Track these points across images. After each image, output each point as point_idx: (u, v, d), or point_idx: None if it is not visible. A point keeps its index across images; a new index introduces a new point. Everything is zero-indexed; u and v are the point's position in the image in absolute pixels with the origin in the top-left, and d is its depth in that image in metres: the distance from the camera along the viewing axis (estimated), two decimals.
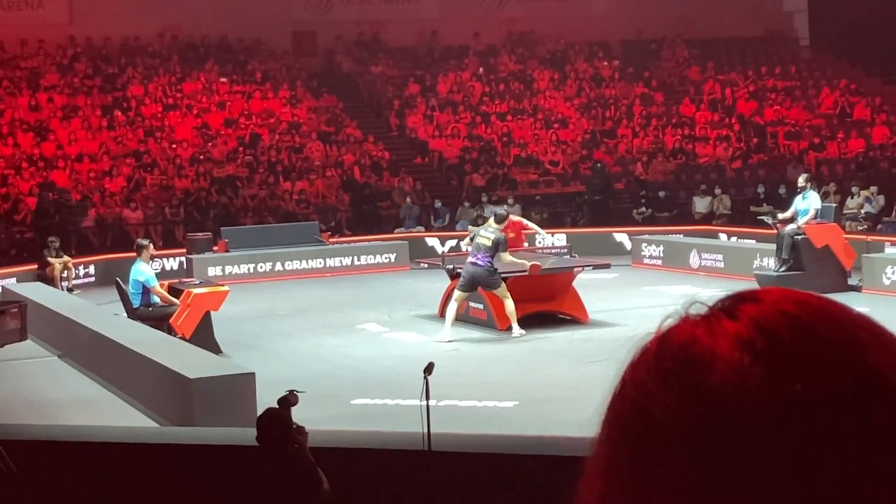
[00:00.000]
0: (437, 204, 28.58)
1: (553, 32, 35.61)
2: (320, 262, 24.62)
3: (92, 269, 24.39)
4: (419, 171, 30.65)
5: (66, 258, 23.21)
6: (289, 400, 7.17)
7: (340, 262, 24.64)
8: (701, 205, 28.30)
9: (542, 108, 33.30)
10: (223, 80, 32.43)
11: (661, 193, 28.97)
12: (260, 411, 10.85)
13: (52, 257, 22.99)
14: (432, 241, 26.75)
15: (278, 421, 6.72)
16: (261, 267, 24.30)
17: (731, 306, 1.07)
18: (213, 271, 23.34)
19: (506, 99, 33.62)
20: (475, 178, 30.00)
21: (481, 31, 35.33)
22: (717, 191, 28.43)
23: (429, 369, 8.55)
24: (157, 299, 15.82)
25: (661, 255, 23.52)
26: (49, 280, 22.25)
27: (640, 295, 19.71)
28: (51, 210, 25.98)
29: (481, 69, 34.62)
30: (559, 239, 24.86)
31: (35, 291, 18.93)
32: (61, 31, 32.46)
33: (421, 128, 32.22)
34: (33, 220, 26.07)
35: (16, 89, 30.31)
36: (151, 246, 16.70)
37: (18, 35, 31.87)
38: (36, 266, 23.06)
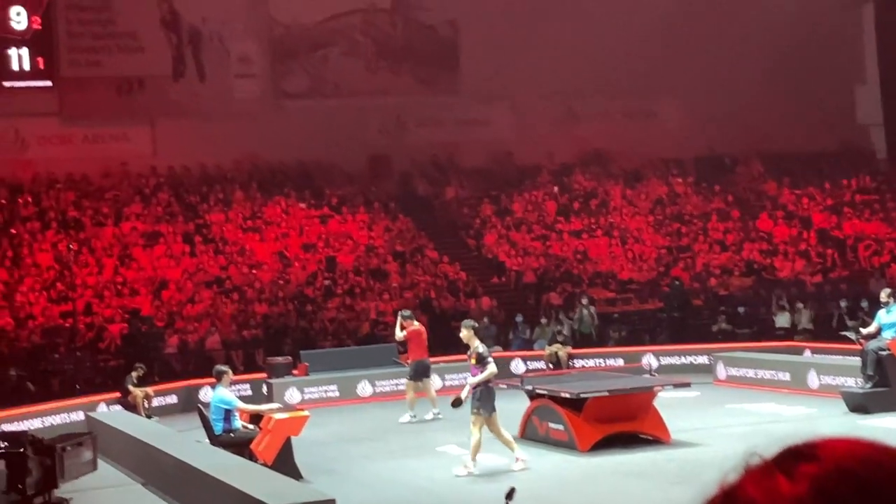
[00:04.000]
0: (519, 318, 28.57)
1: (626, 150, 35.82)
2: (399, 384, 24.61)
3: (174, 396, 24.61)
4: (496, 291, 30.72)
5: (147, 389, 23.42)
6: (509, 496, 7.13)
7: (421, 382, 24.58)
8: (782, 320, 27.97)
9: (617, 226, 33.36)
10: (301, 204, 32.96)
11: (741, 309, 28.70)
12: None
13: (133, 385, 23.26)
14: (511, 361, 26.65)
15: None
16: (340, 390, 24.35)
17: (789, 464, 1.04)
18: (292, 395, 23.45)
19: (581, 217, 33.75)
20: (552, 296, 30.01)
21: (554, 150, 35.65)
22: (799, 305, 28.09)
23: (510, 495, 8.47)
24: (238, 425, 15.91)
25: (743, 372, 23.21)
26: (132, 408, 22.49)
27: (723, 413, 19.42)
28: (135, 337, 26.38)
29: (556, 188, 34.85)
30: (644, 358, 24.72)
31: (119, 419, 19.12)
32: (144, 161, 33.33)
33: (497, 247, 32.40)
34: (118, 347, 26.45)
35: (101, 218, 31.03)
36: (231, 372, 16.86)
37: (103, 167, 32.76)
38: (119, 394, 23.33)
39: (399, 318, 21.22)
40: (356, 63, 35.49)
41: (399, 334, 21.10)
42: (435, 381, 24.64)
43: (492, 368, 15.34)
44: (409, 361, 21.29)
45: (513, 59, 34.68)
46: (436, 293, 30.01)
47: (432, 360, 26.67)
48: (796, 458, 1.04)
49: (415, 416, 20.37)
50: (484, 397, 15.30)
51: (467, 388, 15.54)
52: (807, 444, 1.06)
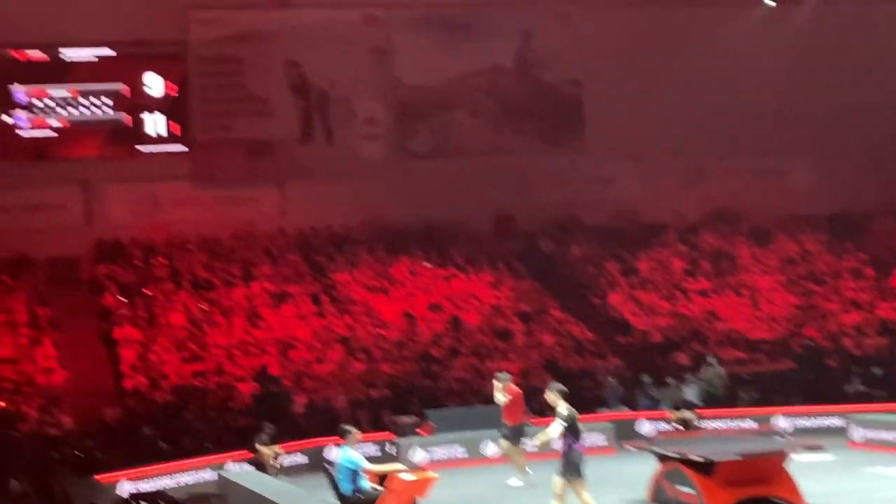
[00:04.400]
0: (646, 378, 28.27)
1: (755, 208, 35.37)
2: (525, 443, 24.45)
3: (303, 455, 24.82)
4: (622, 351, 30.46)
5: (276, 448, 23.68)
6: None
7: (546, 443, 24.40)
8: None
9: (746, 284, 32.88)
10: (426, 264, 33.17)
11: (876, 370, 27.98)
12: None
13: (262, 444, 23.53)
14: (638, 422, 26.36)
15: None
16: (466, 450, 24.30)
17: None
18: (418, 455, 23.47)
19: (709, 276, 33.35)
20: (679, 356, 29.64)
21: (681, 208, 35.36)
22: None
23: None
24: (365, 485, 15.99)
25: (880, 434, 22.58)
26: (261, 466, 22.75)
27: (859, 478, 18.94)
28: (264, 397, 26.74)
29: (682, 246, 34.52)
30: (776, 420, 24.27)
31: (249, 479, 19.35)
32: (273, 223, 33.93)
33: (623, 306, 32.16)
34: (248, 406, 26.82)
35: (231, 279, 31.61)
36: (357, 431, 16.97)
37: (233, 228, 33.44)
38: (249, 452, 23.63)
39: (499, 381, 20.93)
40: (480, 123, 35.74)
41: (501, 398, 20.81)
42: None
43: (551, 431, 15.31)
44: (509, 424, 20.89)
45: (638, 117, 34.56)
46: (561, 353, 29.87)
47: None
48: None
49: (528, 473, 20.18)
50: (568, 461, 15.20)
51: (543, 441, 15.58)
52: None
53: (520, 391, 21.29)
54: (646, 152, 35.13)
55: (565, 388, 16.53)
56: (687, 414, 24.70)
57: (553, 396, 15.89)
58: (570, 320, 31.37)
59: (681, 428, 24.58)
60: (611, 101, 34.91)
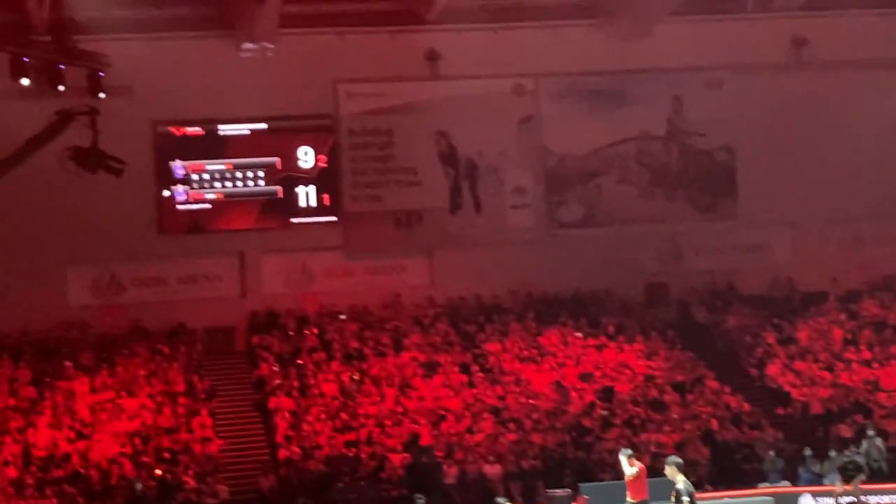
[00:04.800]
0: (807, 451, 27.43)
1: None
2: None
3: None
4: (781, 423, 29.65)
5: None
6: None
7: None
8: None
9: None
10: (577, 333, 32.86)
11: None
12: None
13: None
14: (800, 497, 25.52)
15: None
16: None
17: None
18: None
19: (871, 345, 32.31)
20: (841, 428, 28.71)
21: (839, 275, 34.46)
22: None
23: None
24: None
25: None
26: None
27: None
28: (415, 467, 26.69)
29: (842, 315, 33.57)
30: None
31: None
32: (422, 292, 34.06)
33: (781, 377, 31.33)
34: (399, 477, 26.79)
35: (382, 349, 31.76)
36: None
37: (383, 298, 33.68)
38: None
39: (625, 456, 20.45)
40: (630, 190, 35.46)
41: (630, 471, 20.25)
42: None
43: None
44: (634, 501, 20.26)
45: (793, 183, 33.99)
46: (718, 424, 29.18)
47: (713, 495, 25.96)
48: None
49: None
50: None
51: None
52: None
53: (644, 466, 20.66)
54: (802, 218, 34.47)
55: (682, 461, 16.16)
56: (849, 488, 23.72)
57: (671, 471, 15.53)
58: (727, 391, 30.67)
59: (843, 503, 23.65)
60: (764, 166, 34.42)
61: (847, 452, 26.98)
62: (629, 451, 20.74)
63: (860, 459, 26.51)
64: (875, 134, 32.92)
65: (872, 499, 24.31)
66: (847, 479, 20.74)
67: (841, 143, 33.35)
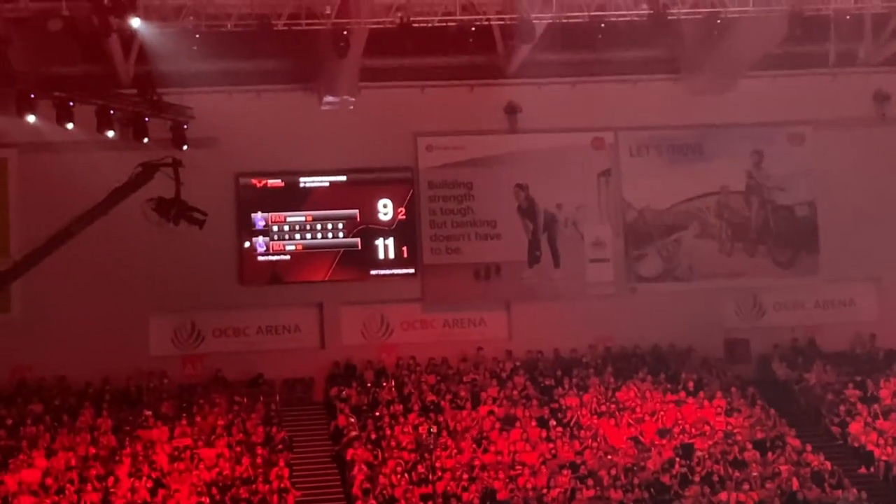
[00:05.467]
0: None
1: None
2: None
3: None
4: (864, 482, 29.07)
5: None
6: None
7: None
8: None
9: None
10: (656, 388, 32.56)
11: None
12: None
13: None
14: None
15: None
16: None
17: None
18: None
19: None
20: None
21: None
22: None
23: None
24: None
25: None
26: None
27: None
28: None
29: None
30: None
31: None
32: (500, 345, 34.01)
33: (864, 436, 30.75)
34: None
35: (459, 401, 31.70)
36: None
37: (461, 351, 33.69)
38: None
39: None
40: (710, 245, 35.21)
41: None
42: None
43: None
44: None
45: (875, 237, 33.59)
46: (799, 483, 28.67)
47: None
48: None
49: None
50: None
51: None
52: None
53: None
54: (884, 274, 33.94)
55: None
56: None
57: None
58: (808, 449, 30.14)
59: None
60: (847, 221, 34.06)
61: None
62: None
63: None
64: None
65: None
66: None
67: None
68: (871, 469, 29.84)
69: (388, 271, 34.05)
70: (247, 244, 33.49)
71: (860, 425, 31.12)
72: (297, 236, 33.71)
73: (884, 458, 29.85)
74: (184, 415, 30.63)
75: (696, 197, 35.21)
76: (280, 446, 29.70)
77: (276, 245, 33.62)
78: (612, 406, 31.86)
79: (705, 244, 35.22)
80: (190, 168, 24.51)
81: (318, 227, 33.76)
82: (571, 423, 31.11)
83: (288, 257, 33.64)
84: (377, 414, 31.03)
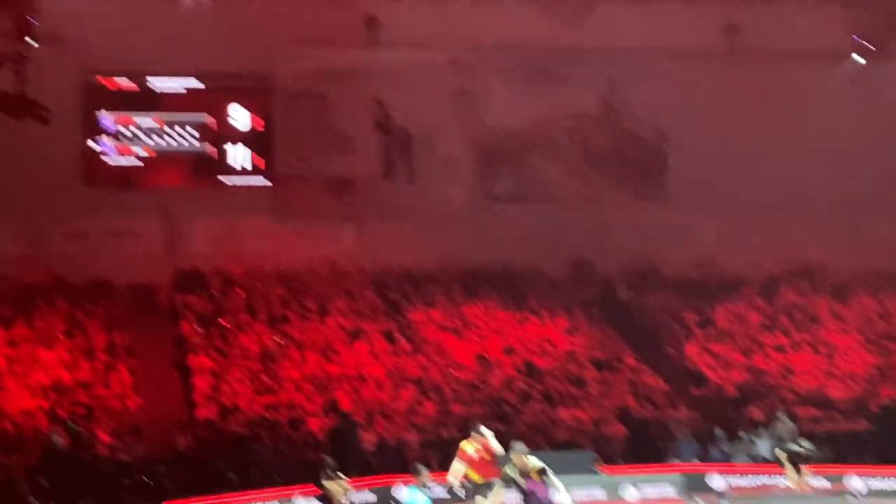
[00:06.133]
0: (719, 432, 27.90)
1: (836, 264, 34.86)
2: (595, 494, 24.29)
3: (371, 493, 24.76)
4: (696, 403, 30.10)
5: (344, 483, 23.66)
6: None
7: (615, 493, 24.19)
8: None
9: (824, 342, 32.37)
10: (502, 307, 33.06)
11: None
12: None
13: (330, 479, 23.52)
14: (709, 476, 25.99)
15: None
16: None
17: None
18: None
19: (787, 331, 32.88)
20: (753, 410, 29.22)
21: (761, 261, 34.95)
22: None
23: None
24: None
25: None
26: (329, 502, 22.70)
27: None
28: (334, 432, 26.76)
29: (761, 301, 34.10)
30: (849, 479, 23.78)
31: None
32: (351, 260, 34.07)
33: (698, 358, 31.80)
34: (318, 441, 26.83)
35: (307, 314, 31.74)
36: (428, 473, 16.90)
37: (310, 263, 33.63)
38: (317, 487, 23.62)
39: (478, 434, 19.54)
40: (563, 169, 35.66)
41: (473, 452, 19.28)
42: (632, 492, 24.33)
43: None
44: (478, 481, 19.35)
45: (721, 169, 34.27)
46: (635, 402, 29.56)
47: (629, 470, 26.32)
48: None
49: None
50: None
51: None
52: None
53: (493, 449, 19.51)
54: (728, 203, 34.78)
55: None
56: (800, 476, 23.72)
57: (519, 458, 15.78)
58: (645, 370, 31.07)
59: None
60: (694, 150, 34.61)
61: (760, 433, 27.47)
62: (486, 432, 19.73)
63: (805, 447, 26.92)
64: (803, 125, 33.32)
65: (781, 481, 24.76)
66: (796, 466, 20.98)
67: (770, 133, 33.72)
68: (704, 390, 30.88)
69: (240, 180, 33.71)
70: (95, 146, 32.75)
71: (696, 348, 32.14)
72: (148, 141, 33.08)
73: (716, 380, 30.91)
74: (23, 317, 30.04)
75: (550, 120, 35.54)
76: (122, 352, 29.41)
77: (125, 149, 32.96)
78: (458, 323, 32.29)
79: (557, 167, 35.63)
80: (36, 64, 23.80)
81: (170, 132, 33.19)
82: (417, 339, 31.46)
83: (138, 162, 33.03)
84: (223, 323, 30.88)
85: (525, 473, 15.50)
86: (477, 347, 31.34)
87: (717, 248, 35.31)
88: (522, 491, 15.49)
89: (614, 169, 35.89)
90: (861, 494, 21.65)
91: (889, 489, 24.44)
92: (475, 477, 18.68)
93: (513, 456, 15.75)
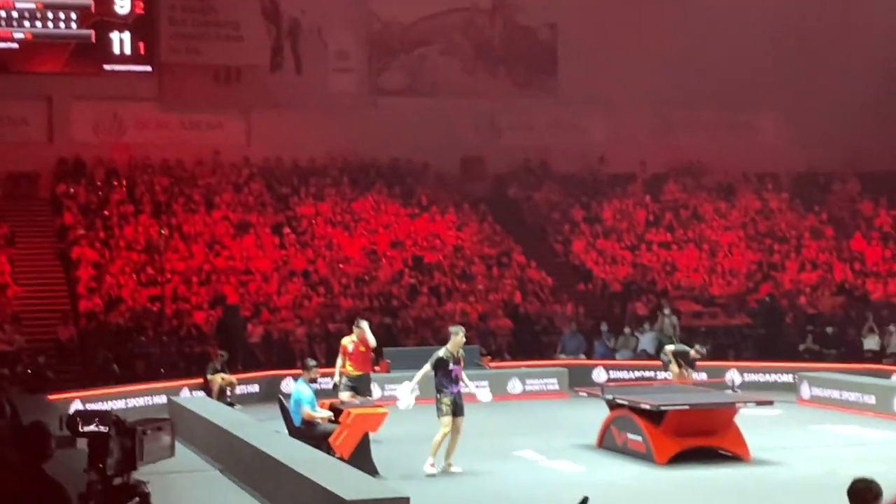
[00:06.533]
0: (604, 327, 28.39)
1: (721, 162, 35.41)
2: (479, 386, 24.55)
3: (256, 385, 24.80)
4: (582, 298, 30.55)
5: (230, 377, 23.66)
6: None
7: (499, 386, 24.52)
8: (871, 342, 27.44)
9: (707, 239, 32.99)
10: (391, 201, 33.04)
11: (829, 329, 28.23)
12: None
13: (215, 372, 23.52)
14: (593, 370, 26.51)
15: None
16: (421, 389, 24.24)
17: None
18: (373, 391, 23.43)
19: (671, 228, 33.43)
20: (638, 306, 29.76)
21: (647, 158, 35.34)
22: (892, 328, 27.51)
23: None
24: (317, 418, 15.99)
25: (828, 392, 22.80)
26: (214, 394, 22.73)
27: (806, 434, 19.14)
28: (220, 325, 26.65)
29: (646, 197, 34.56)
30: (728, 373, 24.45)
31: (200, 405, 19.33)
32: (238, 151, 33.65)
33: (584, 254, 32.21)
34: (203, 334, 26.71)
35: (193, 205, 31.37)
36: (317, 368, 16.94)
37: (197, 154, 33.15)
38: (202, 380, 23.62)
39: (359, 328, 18.95)
40: (453, 63, 35.50)
41: (349, 345, 18.93)
42: (518, 386, 24.69)
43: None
44: (355, 373, 18.79)
45: (612, 66, 34.38)
46: (521, 297, 29.90)
47: (511, 364, 26.72)
48: None
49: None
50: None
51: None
52: None
53: (369, 341, 19.07)
54: (617, 101, 34.98)
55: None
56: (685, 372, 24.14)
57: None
58: (532, 265, 31.38)
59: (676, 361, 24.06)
60: (585, 47, 34.67)
61: (644, 328, 28.01)
62: (366, 324, 19.25)
63: (657, 336, 27.51)
64: (691, 22, 33.47)
65: (661, 374, 25.29)
66: (680, 364, 21.39)
67: (659, 29, 33.85)
68: (590, 286, 31.34)
69: (123, 67, 32.88)
70: None
71: (582, 244, 32.53)
72: (27, 24, 32.01)
73: (601, 275, 31.37)
74: None
75: (441, 13, 35.26)
76: (2, 241, 28.78)
77: (4, 33, 31.87)
78: (348, 217, 32.20)
79: (448, 61, 35.45)
80: None
81: (50, 15, 32.12)
82: (305, 232, 31.32)
83: (16, 45, 31.98)
84: (106, 213, 30.37)
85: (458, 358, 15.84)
86: (365, 241, 31.32)
87: (605, 146, 35.55)
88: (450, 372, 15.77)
89: (505, 64, 35.82)
90: (737, 387, 22.25)
91: (764, 382, 25.17)
92: (350, 370, 18.71)
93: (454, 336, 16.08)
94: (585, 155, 35.48)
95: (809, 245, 32.69)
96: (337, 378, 18.91)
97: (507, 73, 35.85)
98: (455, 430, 15.77)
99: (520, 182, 35.12)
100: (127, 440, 6.79)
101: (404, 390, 16.11)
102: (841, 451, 17.11)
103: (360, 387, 18.85)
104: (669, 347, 22.18)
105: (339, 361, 19.08)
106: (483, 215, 33.47)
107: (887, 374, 24.28)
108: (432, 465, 15.75)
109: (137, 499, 6.71)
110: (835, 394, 22.56)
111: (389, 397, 22.83)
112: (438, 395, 15.85)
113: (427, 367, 15.98)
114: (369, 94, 34.87)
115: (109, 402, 21.34)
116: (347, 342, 18.96)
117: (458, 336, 16.11)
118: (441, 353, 15.97)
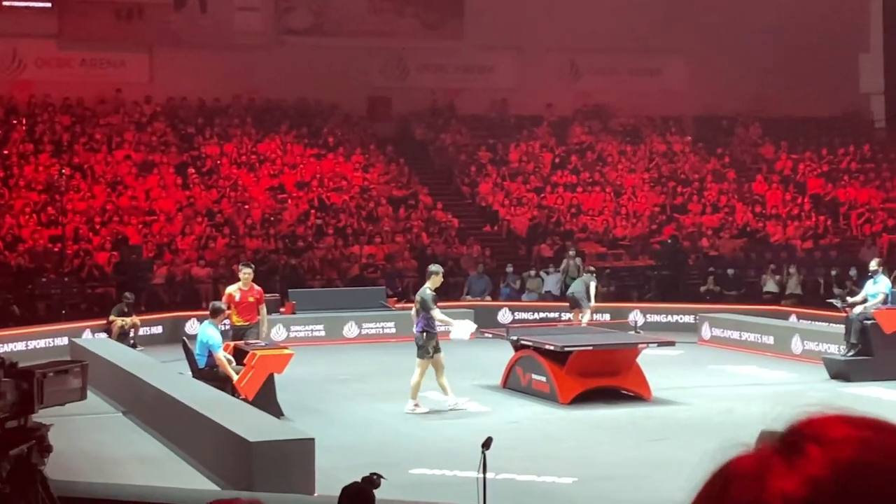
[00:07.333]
0: (509, 269, 28.57)
1: (626, 106, 35.68)
2: (386, 327, 24.68)
3: (160, 327, 24.62)
4: (488, 240, 30.70)
5: (134, 318, 23.43)
6: (373, 483, 7.00)
7: (405, 328, 24.59)
8: (770, 284, 28.01)
9: (612, 181, 33.30)
10: (297, 142, 32.81)
11: (730, 271, 28.74)
12: (318, 477, 10.86)
13: (118, 314, 23.28)
14: (498, 311, 26.70)
15: (365, 499, 6.56)
16: (326, 330, 24.36)
17: (789, 450, 1.03)
18: (278, 333, 23.43)
19: (576, 170, 33.68)
20: (543, 248, 29.99)
21: (554, 101, 35.48)
22: (792, 270, 28.10)
23: (487, 444, 8.55)
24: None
25: (728, 333, 23.25)
26: (117, 336, 22.50)
27: (706, 374, 19.51)
28: (123, 266, 26.35)
29: (553, 140, 34.74)
30: (631, 314, 24.78)
31: (103, 347, 19.14)
32: (141, 90, 33.12)
33: (491, 196, 32.33)
34: (106, 275, 26.40)
35: (95, 145, 30.86)
36: (226, 310, 16.67)
37: (99, 93, 32.56)
38: (105, 321, 23.36)
39: (245, 275, 17.26)
40: (360, 2, 35.19)
41: (237, 294, 17.13)
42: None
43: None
44: (242, 323, 17.09)
45: (519, 8, 34.41)
46: (428, 239, 29.97)
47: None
48: (798, 443, 1.03)
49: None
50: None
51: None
52: (814, 426, 1.04)
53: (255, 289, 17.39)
54: (524, 43, 35.01)
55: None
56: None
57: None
58: (439, 207, 31.43)
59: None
60: None
61: (549, 270, 28.26)
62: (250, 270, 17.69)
63: (562, 277, 27.74)
64: None
65: (565, 315, 25.55)
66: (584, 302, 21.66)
67: None
68: (496, 227, 31.49)
69: (21, 3, 32.13)
70: None
71: (489, 186, 32.64)
72: None
73: (507, 217, 31.54)
74: None
75: None
76: None
77: None
78: (253, 157, 31.93)
79: (356, 1, 35.13)
80: None
81: None
82: (210, 172, 31.00)
83: None
84: (5, 153, 29.75)
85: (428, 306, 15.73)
86: (271, 182, 31.09)
87: (513, 86, 35.60)
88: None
89: (413, 5, 35.61)
90: (640, 328, 22.57)
91: (666, 322, 25.57)
92: (237, 320, 17.07)
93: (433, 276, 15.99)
94: (493, 97, 35.55)
95: (711, 188, 33.17)
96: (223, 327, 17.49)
97: (414, 14, 35.66)
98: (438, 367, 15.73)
99: (427, 123, 35.08)
100: (23, 383, 6.67)
101: (462, 324, 16.18)
102: (739, 391, 17.50)
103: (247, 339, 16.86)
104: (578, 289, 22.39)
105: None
106: (390, 156, 33.39)
107: (786, 316, 24.80)
108: (416, 405, 15.78)
109: (33, 441, 6.62)
110: (734, 334, 23.01)
111: (295, 339, 22.87)
112: (425, 336, 15.69)
113: (436, 310, 15.74)
114: (276, 34, 34.49)
115: (9, 345, 21.04)
116: (234, 290, 17.17)
117: (438, 276, 16.05)
118: (429, 294, 15.82)
